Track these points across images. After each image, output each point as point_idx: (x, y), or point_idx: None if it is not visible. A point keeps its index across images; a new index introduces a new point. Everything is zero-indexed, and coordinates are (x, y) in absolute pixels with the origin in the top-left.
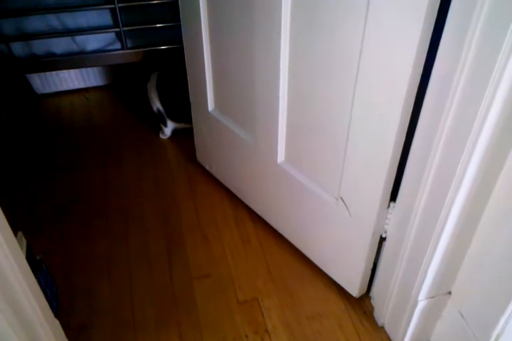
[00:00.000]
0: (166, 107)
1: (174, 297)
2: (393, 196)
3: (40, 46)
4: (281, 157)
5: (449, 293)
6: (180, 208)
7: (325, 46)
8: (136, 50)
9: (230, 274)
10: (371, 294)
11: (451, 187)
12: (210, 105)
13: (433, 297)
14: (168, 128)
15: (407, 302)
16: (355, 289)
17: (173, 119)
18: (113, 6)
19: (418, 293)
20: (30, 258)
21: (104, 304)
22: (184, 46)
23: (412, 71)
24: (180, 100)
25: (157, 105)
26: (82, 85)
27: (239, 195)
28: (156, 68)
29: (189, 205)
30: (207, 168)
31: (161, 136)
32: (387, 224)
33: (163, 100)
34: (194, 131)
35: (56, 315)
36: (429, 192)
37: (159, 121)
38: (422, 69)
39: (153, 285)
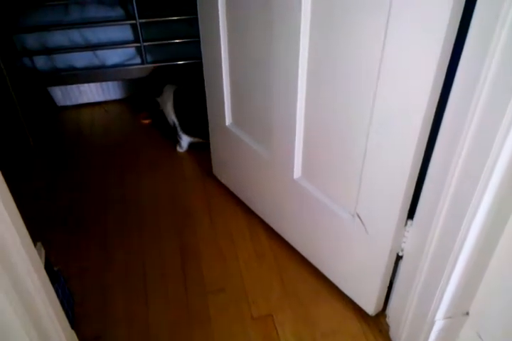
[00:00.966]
0: (181, 121)
1: (188, 310)
2: (411, 213)
3: (62, 60)
4: (297, 172)
5: (467, 313)
6: (196, 221)
7: (344, 59)
8: (156, 65)
9: (244, 289)
10: (387, 312)
11: (471, 204)
12: (228, 119)
13: (450, 317)
14: (184, 141)
15: (424, 322)
16: (371, 307)
17: (187, 133)
18: (134, 21)
19: (435, 313)
20: (49, 268)
21: (119, 316)
22: (203, 61)
23: (433, 81)
24: (195, 115)
25: (173, 118)
26: (101, 98)
27: (254, 210)
28: (168, 82)
29: (205, 218)
30: (223, 181)
31: (178, 149)
32: (405, 242)
33: (179, 114)
34: (211, 144)
35: (72, 326)
36: (448, 210)
37: (175, 134)
38: (442, 81)
39: (168, 298)
